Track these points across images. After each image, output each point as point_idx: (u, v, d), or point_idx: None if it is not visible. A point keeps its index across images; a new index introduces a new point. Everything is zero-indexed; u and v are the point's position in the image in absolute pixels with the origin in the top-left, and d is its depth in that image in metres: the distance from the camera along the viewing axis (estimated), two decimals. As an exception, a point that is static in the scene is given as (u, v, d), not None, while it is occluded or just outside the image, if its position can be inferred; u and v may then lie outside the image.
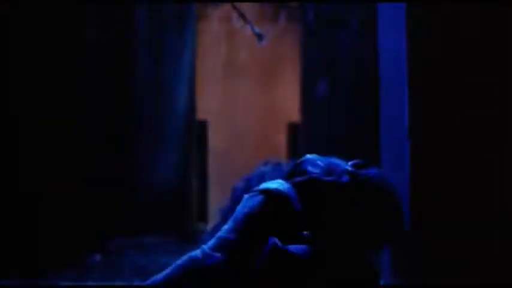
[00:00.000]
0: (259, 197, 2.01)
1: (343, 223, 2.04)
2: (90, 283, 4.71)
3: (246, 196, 2.05)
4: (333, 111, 6.64)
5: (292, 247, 1.95)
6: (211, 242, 2.04)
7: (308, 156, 2.16)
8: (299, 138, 11.22)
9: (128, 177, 5.73)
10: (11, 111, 5.38)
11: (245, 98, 12.81)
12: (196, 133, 6.66)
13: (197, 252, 2.05)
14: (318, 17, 6.50)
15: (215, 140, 11.73)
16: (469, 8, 3.61)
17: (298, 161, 2.15)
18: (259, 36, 7.41)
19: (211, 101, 7.87)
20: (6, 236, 5.18)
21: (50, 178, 5.39)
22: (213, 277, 1.97)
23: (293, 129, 11.92)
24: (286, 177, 2.11)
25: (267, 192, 2.02)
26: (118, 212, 5.33)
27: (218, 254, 1.99)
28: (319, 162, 2.13)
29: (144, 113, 6.02)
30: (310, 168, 2.09)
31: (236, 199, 2.31)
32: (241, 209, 2.03)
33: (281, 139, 12.70)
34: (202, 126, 7.13)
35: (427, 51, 3.71)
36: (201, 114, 7.10)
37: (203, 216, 11.53)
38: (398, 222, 2.23)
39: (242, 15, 7.80)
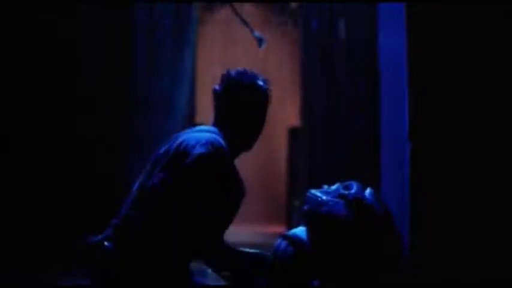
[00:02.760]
0: (281, 243, 2.17)
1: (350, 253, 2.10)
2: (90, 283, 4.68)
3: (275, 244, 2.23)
4: (333, 114, 6.62)
5: None
6: None
7: (309, 193, 2.24)
8: (299, 143, 11.21)
9: (128, 178, 5.72)
10: (11, 112, 5.38)
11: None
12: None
13: None
14: (318, 19, 6.49)
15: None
16: (469, 8, 3.62)
17: (305, 198, 2.26)
18: (259, 40, 7.40)
19: (211, 104, 7.82)
20: (6, 235, 5.18)
21: (50, 177, 5.39)
22: None
23: (293, 134, 11.92)
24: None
25: (284, 237, 2.24)
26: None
27: None
28: (319, 195, 2.20)
29: (144, 114, 6.00)
30: (306, 207, 2.18)
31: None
32: (270, 257, 2.19)
33: (281, 144, 12.70)
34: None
35: (427, 52, 3.71)
36: (200, 118, 7.09)
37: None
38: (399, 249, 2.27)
39: (242, 19, 7.80)
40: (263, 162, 12.66)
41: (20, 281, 4.71)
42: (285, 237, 2.21)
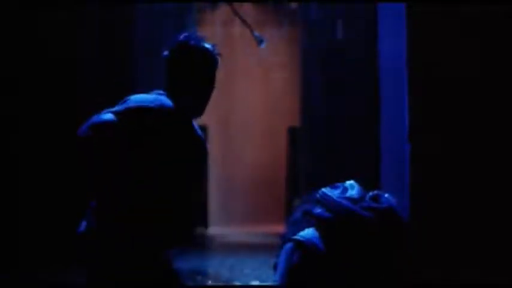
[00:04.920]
0: (293, 249, 2.14)
1: (366, 255, 2.10)
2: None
3: (284, 248, 2.18)
4: (333, 114, 6.63)
5: None
6: None
7: (323, 194, 2.21)
8: (299, 142, 11.22)
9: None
10: (11, 112, 5.38)
11: (245, 102, 12.82)
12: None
13: None
14: (318, 18, 6.50)
15: (215, 144, 11.72)
16: (469, 8, 3.62)
17: (314, 198, 2.22)
18: (259, 40, 7.41)
19: (211, 105, 7.83)
20: (6, 235, 5.18)
21: (50, 177, 5.39)
22: None
23: (293, 133, 11.94)
24: (305, 216, 2.21)
25: (297, 242, 2.16)
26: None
27: None
28: (340, 201, 2.16)
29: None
30: (319, 211, 2.15)
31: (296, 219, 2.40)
32: (281, 262, 2.16)
33: (281, 142, 12.72)
34: (202, 129, 7.11)
35: (427, 52, 3.72)
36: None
37: (203, 219, 11.52)
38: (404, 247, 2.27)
39: (242, 19, 7.81)
40: (263, 162, 12.67)
41: (20, 280, 4.72)
42: (295, 241, 2.18)
